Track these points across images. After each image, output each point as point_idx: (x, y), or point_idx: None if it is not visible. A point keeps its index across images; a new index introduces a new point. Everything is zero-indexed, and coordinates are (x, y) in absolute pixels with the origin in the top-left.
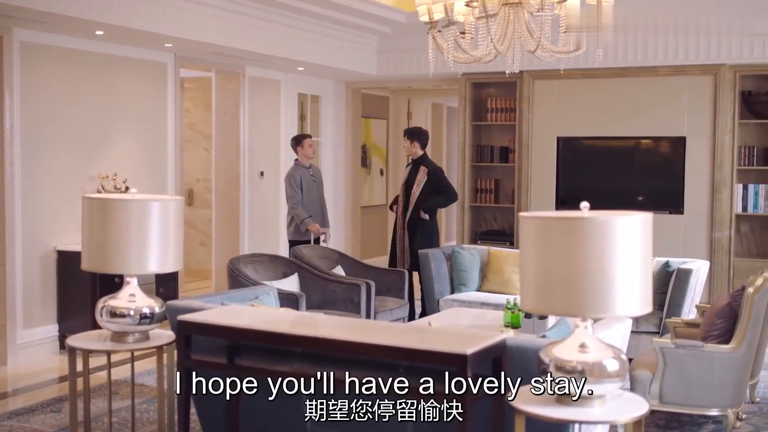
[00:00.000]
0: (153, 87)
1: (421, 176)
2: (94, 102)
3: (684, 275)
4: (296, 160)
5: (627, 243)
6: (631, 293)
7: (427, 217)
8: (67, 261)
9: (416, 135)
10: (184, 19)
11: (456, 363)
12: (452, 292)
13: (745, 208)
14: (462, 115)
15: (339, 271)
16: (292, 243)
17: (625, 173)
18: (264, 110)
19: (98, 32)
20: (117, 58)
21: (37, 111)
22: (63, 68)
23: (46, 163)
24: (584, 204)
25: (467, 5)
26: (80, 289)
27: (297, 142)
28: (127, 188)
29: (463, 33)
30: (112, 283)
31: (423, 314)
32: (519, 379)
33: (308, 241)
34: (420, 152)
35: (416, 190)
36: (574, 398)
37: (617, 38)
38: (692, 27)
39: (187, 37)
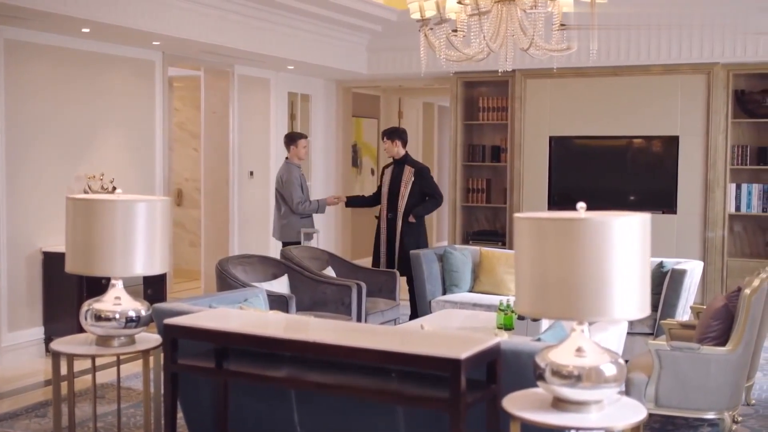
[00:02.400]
0: (141, 86)
1: (408, 176)
2: (80, 101)
3: (678, 276)
4: (287, 158)
5: (625, 244)
6: (629, 296)
7: (414, 220)
8: (53, 262)
9: (396, 134)
10: (172, 17)
11: (450, 368)
12: (444, 293)
13: (738, 208)
14: (453, 114)
15: (329, 272)
16: (286, 245)
17: (618, 173)
18: (253, 109)
19: (85, 30)
20: (104, 56)
21: (23, 110)
22: (49, 66)
23: (31, 162)
24: (581, 204)
25: (459, 2)
26: (66, 291)
27: (291, 140)
28: (114, 188)
29: (455, 31)
30: (99, 285)
31: (413, 316)
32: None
33: (299, 242)
34: (402, 151)
35: (404, 191)
36: (570, 403)
37: (610, 37)
38: (685, 26)
39: (175, 35)
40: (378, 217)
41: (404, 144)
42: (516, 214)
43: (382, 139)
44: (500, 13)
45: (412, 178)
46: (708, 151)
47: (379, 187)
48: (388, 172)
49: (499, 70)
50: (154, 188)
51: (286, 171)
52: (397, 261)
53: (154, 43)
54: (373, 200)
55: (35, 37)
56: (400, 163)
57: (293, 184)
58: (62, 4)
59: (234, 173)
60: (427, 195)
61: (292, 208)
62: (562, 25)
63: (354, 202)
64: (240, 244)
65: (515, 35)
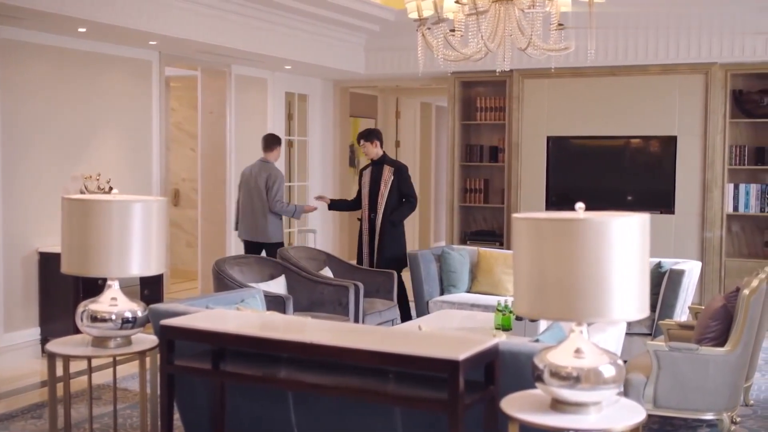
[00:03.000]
0: (137, 85)
1: (387, 175)
2: (76, 101)
3: (676, 276)
4: (265, 159)
5: (624, 245)
6: (628, 297)
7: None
8: (49, 263)
9: (374, 134)
10: (169, 17)
11: (448, 369)
12: (442, 293)
13: (736, 208)
14: (451, 114)
15: (327, 272)
16: (277, 245)
17: (616, 173)
18: (251, 109)
19: (81, 29)
20: (100, 55)
21: (18, 110)
22: (45, 66)
23: (27, 162)
24: (579, 205)
25: (457, 2)
26: (63, 292)
27: (278, 141)
28: (110, 188)
29: (453, 31)
30: (96, 286)
31: (403, 316)
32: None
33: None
34: (381, 151)
35: (384, 191)
36: (569, 405)
37: (608, 37)
38: (683, 25)
39: (172, 34)
40: (360, 219)
41: (381, 144)
42: (514, 215)
43: (359, 142)
44: (498, 12)
45: (392, 177)
46: (706, 151)
47: (359, 191)
48: (367, 173)
49: (497, 70)
50: (151, 188)
51: (272, 170)
52: (376, 261)
53: (150, 42)
54: (355, 203)
55: (31, 37)
56: (378, 163)
57: (282, 182)
58: (59, 4)
59: (231, 173)
60: (404, 195)
61: (271, 204)
62: (560, 24)
63: (337, 205)
64: (237, 245)
65: (513, 35)
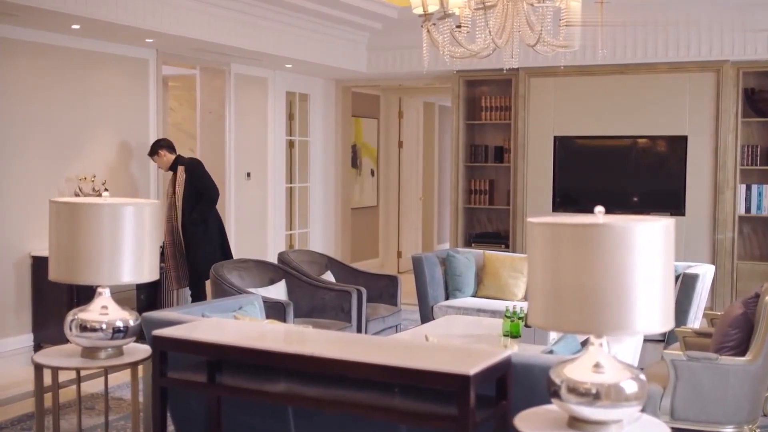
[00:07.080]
0: (134, 85)
1: (181, 176)
2: (71, 101)
3: (690, 281)
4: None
5: (647, 252)
6: (651, 308)
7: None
8: (42, 267)
9: (158, 146)
10: (166, 13)
11: (458, 384)
12: (447, 298)
13: (748, 209)
14: (455, 113)
15: (328, 276)
16: None
17: (625, 174)
18: (251, 109)
19: (74, 26)
20: (95, 54)
21: (11, 109)
22: (37, 64)
23: (20, 164)
24: (599, 209)
25: None
26: (56, 297)
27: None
28: (106, 190)
29: (459, 26)
30: (90, 291)
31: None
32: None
33: None
34: (172, 156)
35: (179, 191)
36: (588, 423)
37: (616, 34)
38: (693, 23)
39: (169, 32)
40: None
41: (170, 149)
42: (529, 219)
43: (151, 158)
44: (506, 7)
45: (185, 175)
46: (717, 152)
47: None
48: (169, 184)
49: (504, 68)
50: (149, 190)
51: None
52: (190, 271)
53: (147, 40)
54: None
55: (23, 34)
56: (174, 169)
57: None
58: (51, 0)
59: (230, 175)
60: (199, 191)
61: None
62: (569, 21)
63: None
64: (236, 248)
65: (521, 31)
